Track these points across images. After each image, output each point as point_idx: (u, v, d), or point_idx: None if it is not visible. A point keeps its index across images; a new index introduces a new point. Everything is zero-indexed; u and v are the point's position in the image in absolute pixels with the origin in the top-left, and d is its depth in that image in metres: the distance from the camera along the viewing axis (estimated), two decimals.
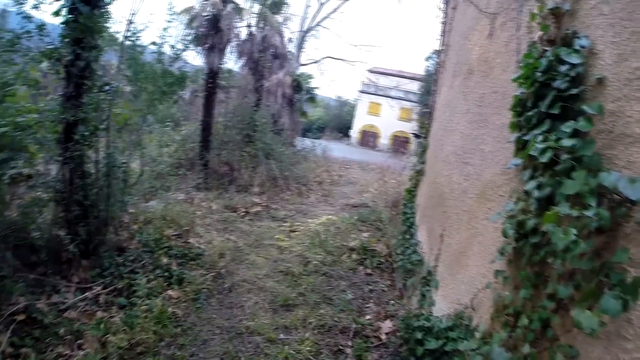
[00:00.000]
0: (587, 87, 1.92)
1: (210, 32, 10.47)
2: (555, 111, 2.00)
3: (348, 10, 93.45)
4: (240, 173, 10.91)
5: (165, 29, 5.82)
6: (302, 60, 26.55)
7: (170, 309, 4.10)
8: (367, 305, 4.87)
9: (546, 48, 2.20)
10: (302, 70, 24.60)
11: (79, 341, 3.40)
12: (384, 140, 38.29)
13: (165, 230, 5.84)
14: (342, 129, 41.45)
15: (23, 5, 4.00)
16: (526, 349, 1.94)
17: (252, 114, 12.16)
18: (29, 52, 4.11)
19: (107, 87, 4.54)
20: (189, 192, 8.59)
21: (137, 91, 5.50)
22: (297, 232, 7.53)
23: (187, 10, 10.72)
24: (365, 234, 7.39)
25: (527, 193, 2.20)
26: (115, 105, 4.91)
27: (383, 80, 37.47)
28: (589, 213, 1.59)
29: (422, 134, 6.43)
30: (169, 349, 3.61)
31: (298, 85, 17.36)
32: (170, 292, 4.48)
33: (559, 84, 1.99)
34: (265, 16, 12.73)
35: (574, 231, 1.63)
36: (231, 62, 13.04)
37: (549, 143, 1.93)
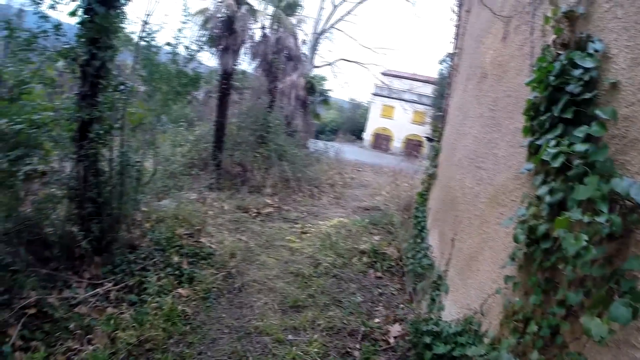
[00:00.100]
0: (600, 92, 1.90)
1: (225, 33, 10.56)
2: (568, 116, 1.97)
3: (362, 12, 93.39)
4: (253, 174, 10.96)
5: (180, 30, 5.88)
6: (316, 62, 26.69)
7: (180, 307, 4.15)
8: (377, 309, 4.85)
9: (560, 52, 2.18)
10: (315, 72, 24.65)
11: (88, 336, 3.46)
12: (397, 144, 38.12)
13: (177, 229, 5.90)
14: (355, 132, 41.40)
15: (40, 5, 4.09)
16: (535, 355, 1.92)
17: (265, 115, 12.23)
18: (46, 51, 4.20)
19: (122, 87, 4.62)
20: (202, 192, 8.66)
21: (151, 91, 5.58)
22: (308, 234, 7.54)
23: (201, 12, 10.83)
24: (377, 237, 7.37)
25: (539, 198, 2.18)
26: (129, 105, 4.99)
27: (396, 83, 37.31)
28: (600, 219, 1.57)
29: (435, 137, 6.39)
30: (178, 346, 3.65)
31: (312, 87, 17.41)
32: (180, 290, 4.53)
33: (573, 88, 1.97)
34: (279, 18, 12.80)
35: (585, 237, 1.61)
36: (245, 63, 13.15)
37: (561, 148, 1.91)
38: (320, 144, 19.17)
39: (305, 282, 5.28)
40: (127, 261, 4.56)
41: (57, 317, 3.47)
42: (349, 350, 3.89)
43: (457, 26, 5.60)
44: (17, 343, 3.07)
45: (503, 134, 3.15)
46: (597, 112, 1.79)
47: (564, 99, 2.00)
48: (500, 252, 2.77)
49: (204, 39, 9.81)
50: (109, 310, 3.86)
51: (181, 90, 6.24)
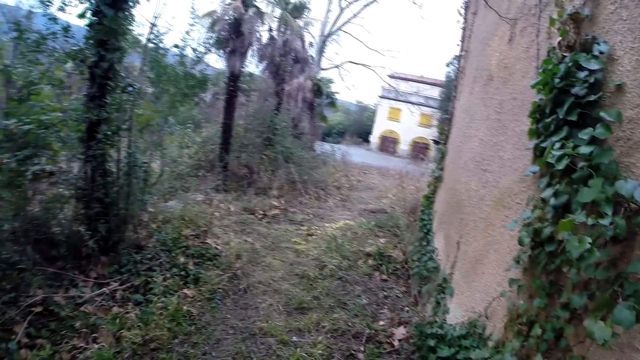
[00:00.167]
0: (605, 94, 1.89)
1: (232, 35, 10.62)
2: (573, 118, 1.96)
3: (369, 15, 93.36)
4: (260, 176, 11.00)
5: (187, 32, 5.95)
6: (323, 64, 26.76)
7: (185, 308, 4.17)
8: (382, 311, 4.84)
9: (565, 54, 2.17)
10: (322, 74, 24.70)
11: (94, 334, 3.50)
12: (403, 146, 38.02)
13: (184, 230, 5.93)
14: (362, 134, 41.36)
15: (49, 7, 4.15)
16: (538, 359, 1.91)
17: (272, 118, 12.27)
18: (54, 53, 4.26)
19: (129, 88, 4.66)
20: (208, 194, 8.70)
21: (159, 93, 5.63)
22: (314, 236, 7.55)
23: (209, 14, 10.90)
24: (382, 240, 7.35)
25: (543, 201, 2.17)
26: (137, 106, 5.04)
27: (403, 86, 37.24)
28: (604, 222, 1.56)
29: (441, 140, 6.37)
30: (182, 346, 3.67)
31: (318, 89, 17.43)
32: (186, 290, 4.56)
33: (578, 90, 1.96)
34: (287, 20, 12.84)
35: (589, 240, 1.60)
36: (252, 65, 13.21)
37: (566, 150, 1.90)
38: (327, 147, 19.17)
39: (311, 284, 5.28)
40: (133, 261, 4.60)
41: (63, 315, 3.51)
42: (353, 352, 3.88)
43: (464, 28, 5.59)
44: (23, 340, 3.11)
45: (509, 136, 3.13)
46: (602, 114, 1.78)
47: (569, 101, 2.00)
48: (505, 255, 2.75)
49: (211, 41, 9.88)
50: (115, 309, 3.90)
51: (188, 92, 6.29)
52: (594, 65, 1.89)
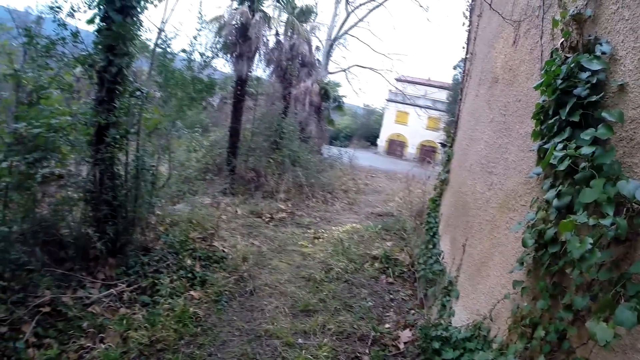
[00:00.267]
0: (608, 94, 1.88)
1: (239, 40, 10.70)
2: (576, 119, 1.96)
3: (376, 18, 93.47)
4: (267, 179, 11.04)
5: (195, 37, 5.98)
6: (330, 68, 26.79)
7: (191, 309, 4.20)
8: (387, 314, 4.83)
9: (568, 55, 2.17)
10: (329, 78, 24.77)
11: (101, 335, 3.55)
12: (411, 150, 37.92)
13: (191, 233, 5.98)
14: (369, 138, 41.31)
15: (58, 13, 4.22)
16: None
17: (279, 121, 12.32)
18: (64, 58, 4.32)
19: (138, 93, 4.72)
20: (216, 197, 8.75)
21: (167, 97, 5.67)
22: (320, 239, 7.56)
23: (216, 19, 11.00)
24: (389, 243, 7.35)
25: (547, 202, 2.16)
26: (145, 110, 5.10)
27: (411, 89, 37.16)
28: (605, 222, 1.55)
29: (448, 143, 6.36)
30: (189, 347, 3.69)
31: (326, 93, 17.46)
32: (192, 292, 4.59)
33: (580, 91, 1.96)
34: (293, 25, 12.91)
35: (590, 240, 1.60)
36: (259, 69, 13.28)
37: (568, 151, 1.89)
38: (334, 150, 19.20)
39: (317, 287, 5.29)
40: (140, 263, 4.65)
41: (70, 315, 3.56)
42: (358, 354, 3.88)
43: (469, 31, 5.58)
44: (30, 340, 3.17)
45: (513, 138, 3.13)
46: (604, 114, 1.78)
47: (571, 102, 1.99)
48: (510, 257, 2.74)
49: (218, 45, 9.95)
50: (122, 310, 3.94)
51: (196, 97, 6.33)
52: (595, 66, 1.89)
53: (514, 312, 2.37)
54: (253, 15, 10.71)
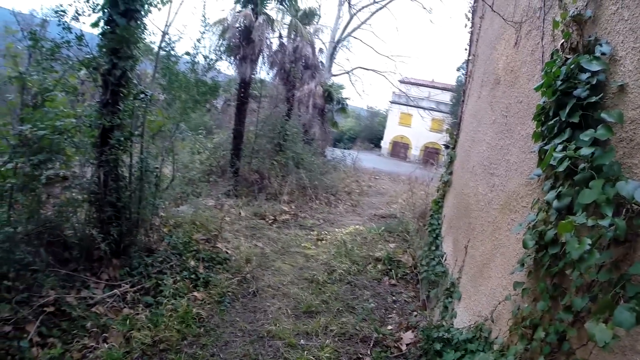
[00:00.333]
0: (608, 95, 1.88)
1: (243, 43, 10.74)
2: (575, 120, 1.96)
3: (379, 21, 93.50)
4: (270, 181, 11.06)
5: (198, 40, 6.01)
6: (334, 70, 26.84)
7: (194, 310, 4.22)
8: (390, 316, 4.83)
9: (568, 56, 2.17)
10: (333, 80, 24.76)
11: (104, 335, 3.57)
12: (415, 152, 37.88)
13: (194, 235, 6.00)
14: (373, 140, 41.32)
15: (63, 17, 4.26)
16: None
17: (283, 124, 12.36)
18: (68, 61, 4.36)
19: (142, 95, 4.75)
20: (219, 199, 8.79)
21: (170, 99, 5.70)
22: (323, 241, 7.57)
23: (220, 22, 11.04)
24: (392, 245, 7.34)
25: (548, 203, 2.16)
26: (149, 113, 5.13)
27: (414, 91, 37.16)
28: (604, 223, 1.55)
29: (450, 144, 6.36)
30: (191, 347, 3.71)
31: (329, 95, 17.48)
32: (195, 293, 4.61)
33: (580, 92, 1.96)
34: (297, 27, 12.94)
35: (589, 241, 1.60)
36: (263, 72, 13.31)
37: (567, 152, 1.90)
38: (338, 152, 19.21)
39: (319, 289, 5.30)
40: (144, 264, 4.67)
41: (74, 315, 3.59)
42: (360, 356, 3.88)
43: (471, 33, 5.58)
44: (34, 339, 3.20)
45: (515, 140, 3.13)
46: (603, 115, 1.78)
47: (571, 103, 1.99)
48: (511, 259, 2.74)
49: (222, 48, 10.01)
50: (125, 310, 3.97)
51: (200, 99, 6.36)
52: (595, 67, 1.89)
53: (514, 313, 2.37)
54: (256, 18, 10.75)
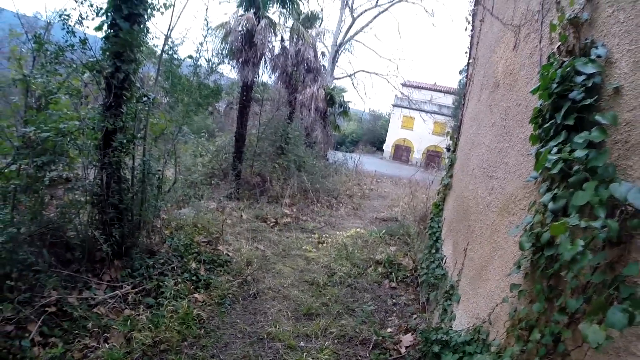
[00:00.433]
0: (603, 97, 1.90)
1: (245, 46, 10.78)
2: (570, 122, 1.97)
3: (381, 24, 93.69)
4: (272, 184, 11.09)
5: (201, 44, 6.08)
6: (336, 74, 26.89)
7: (195, 311, 4.24)
8: (390, 318, 4.84)
9: (565, 59, 2.18)
10: (335, 83, 24.83)
11: (105, 335, 3.61)
12: (417, 155, 37.85)
13: (196, 237, 6.03)
14: (375, 143, 41.33)
15: (67, 20, 4.31)
16: None
17: (285, 127, 12.39)
18: (72, 64, 4.42)
19: (144, 98, 4.79)
20: (221, 201, 8.82)
21: (173, 102, 5.76)
22: (324, 244, 7.58)
23: (222, 26, 11.10)
24: (393, 248, 7.35)
25: (544, 206, 2.17)
26: (152, 115, 5.18)
27: (417, 94, 37.15)
28: (596, 224, 1.56)
29: (451, 147, 6.37)
30: (191, 349, 3.73)
31: (331, 98, 17.51)
32: (196, 295, 4.63)
33: (575, 94, 1.97)
34: (299, 31, 12.98)
35: (581, 242, 1.61)
36: (265, 75, 13.37)
37: (562, 155, 1.91)
38: (340, 155, 19.23)
39: (320, 291, 5.31)
40: (145, 266, 4.70)
41: (76, 316, 3.62)
42: (359, 358, 3.89)
43: (472, 36, 5.60)
44: (36, 339, 3.23)
45: (513, 142, 3.14)
46: (598, 117, 1.79)
47: (566, 106, 2.01)
48: (509, 261, 2.75)
49: (224, 52, 10.07)
50: (126, 311, 4.00)
51: (202, 102, 6.41)
52: (590, 69, 1.90)
53: (511, 315, 2.38)
54: (259, 22, 10.81)
